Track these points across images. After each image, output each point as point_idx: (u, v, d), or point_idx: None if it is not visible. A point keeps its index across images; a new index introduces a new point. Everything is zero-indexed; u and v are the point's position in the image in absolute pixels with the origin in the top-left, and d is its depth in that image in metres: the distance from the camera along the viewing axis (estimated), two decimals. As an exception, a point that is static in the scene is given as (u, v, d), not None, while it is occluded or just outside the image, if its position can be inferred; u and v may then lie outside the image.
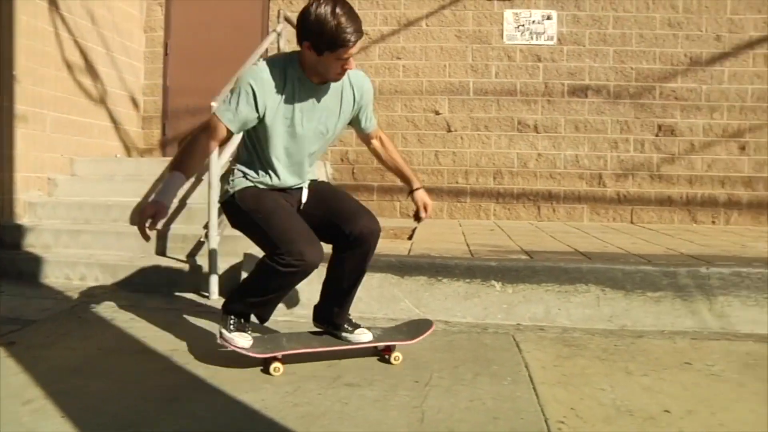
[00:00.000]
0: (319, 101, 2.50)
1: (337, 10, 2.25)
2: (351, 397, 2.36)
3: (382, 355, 2.76)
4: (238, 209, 2.52)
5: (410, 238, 4.71)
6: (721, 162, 6.39)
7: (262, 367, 2.61)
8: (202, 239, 4.26)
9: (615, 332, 3.34)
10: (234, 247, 4.05)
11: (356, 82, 2.58)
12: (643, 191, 6.43)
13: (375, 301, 3.58)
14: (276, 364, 2.55)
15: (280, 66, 2.43)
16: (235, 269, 3.92)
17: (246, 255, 3.77)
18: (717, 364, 2.87)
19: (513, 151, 6.50)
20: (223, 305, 2.68)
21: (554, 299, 3.45)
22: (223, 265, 3.94)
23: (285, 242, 2.36)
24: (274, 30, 5.23)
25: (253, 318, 2.70)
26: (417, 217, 2.85)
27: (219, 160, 3.96)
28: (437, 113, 6.53)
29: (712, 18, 6.40)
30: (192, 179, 4.51)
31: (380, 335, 2.76)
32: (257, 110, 2.40)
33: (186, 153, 2.39)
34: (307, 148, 2.55)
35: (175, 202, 4.52)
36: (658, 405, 2.36)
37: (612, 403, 2.36)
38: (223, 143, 2.62)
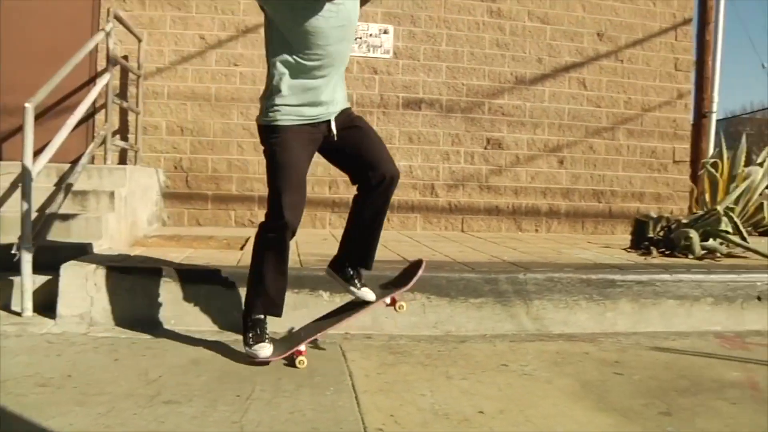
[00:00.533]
0: None
1: None
2: (168, 415, 2.25)
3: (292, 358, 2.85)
4: (267, 139, 2.76)
5: (243, 248, 4.60)
6: (542, 174, 6.93)
7: (286, 362, 2.83)
8: (14, 251, 3.87)
9: (440, 338, 3.48)
10: (53, 258, 3.71)
11: None
12: (473, 201, 6.79)
13: (202, 312, 3.45)
14: (300, 358, 2.81)
15: None
16: (52, 284, 3.59)
17: (64, 268, 3.48)
18: (530, 365, 3.08)
19: (351, 161, 6.59)
20: (243, 317, 2.91)
21: (383, 308, 3.52)
22: (38, 280, 3.60)
23: (278, 206, 2.67)
24: (103, 29, 4.92)
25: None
26: None
27: (35, 166, 3.64)
28: (276, 121, 6.45)
29: (535, 42, 6.92)
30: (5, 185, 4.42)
31: (380, 293, 3.02)
32: None
33: None
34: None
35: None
36: (473, 407, 2.47)
37: (430, 408, 2.44)
38: None
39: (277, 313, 2.90)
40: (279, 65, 2.71)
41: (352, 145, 2.84)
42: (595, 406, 2.55)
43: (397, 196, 6.57)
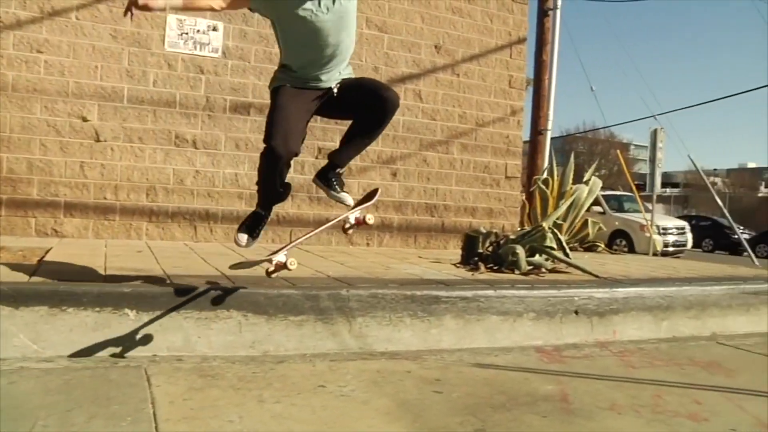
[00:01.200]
0: None
1: None
2: None
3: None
4: (271, 96, 3.38)
5: (41, 260, 4.22)
6: (375, 186, 7.06)
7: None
8: None
9: (256, 359, 3.40)
10: None
11: None
12: (302, 213, 6.78)
13: (-26, 338, 3.10)
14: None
15: None
16: None
17: None
18: (349, 385, 3.09)
19: (169, 167, 6.32)
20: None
21: (194, 327, 3.38)
22: None
23: (268, 134, 3.17)
24: None
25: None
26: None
27: None
28: (85, 119, 6.05)
29: (372, 50, 7.08)
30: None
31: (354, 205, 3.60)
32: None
33: None
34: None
35: None
36: (283, 432, 2.43)
37: (236, 436, 2.37)
38: (234, 7, 3.32)
39: (267, 207, 3.56)
40: (282, 58, 3.40)
41: (351, 96, 3.37)
42: (410, 426, 2.61)
43: (222, 206, 6.40)
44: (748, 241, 25.54)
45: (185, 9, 3.30)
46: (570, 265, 5.52)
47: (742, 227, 29.64)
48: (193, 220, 6.35)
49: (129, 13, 3.01)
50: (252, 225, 3.52)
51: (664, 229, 16.26)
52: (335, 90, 3.37)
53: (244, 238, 3.49)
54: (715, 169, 72.14)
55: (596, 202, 16.33)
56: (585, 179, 8.62)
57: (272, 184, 3.38)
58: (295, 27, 3.22)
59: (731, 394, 3.40)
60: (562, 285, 4.63)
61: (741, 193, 55.84)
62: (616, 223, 16.14)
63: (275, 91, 3.37)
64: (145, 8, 3.04)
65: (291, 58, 3.35)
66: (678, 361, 4.09)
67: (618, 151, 17.03)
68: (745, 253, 14.06)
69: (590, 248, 8.69)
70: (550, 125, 11.48)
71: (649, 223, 13.40)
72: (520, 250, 5.34)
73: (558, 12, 11.14)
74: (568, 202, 7.09)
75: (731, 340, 4.81)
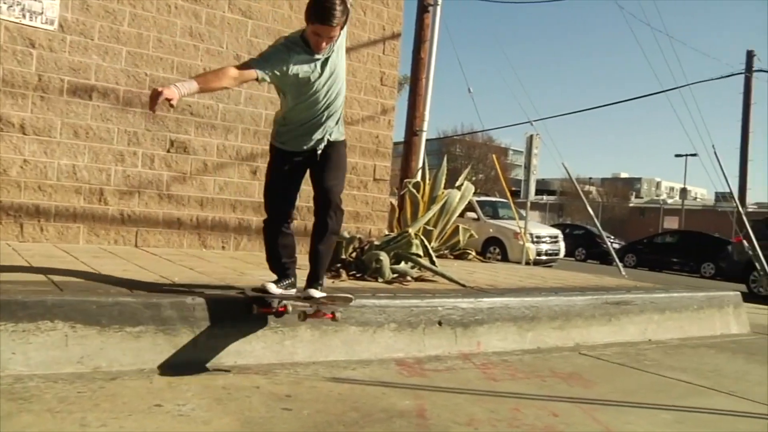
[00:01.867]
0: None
1: None
2: None
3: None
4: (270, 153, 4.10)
5: None
6: (233, 185, 6.94)
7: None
8: None
9: (85, 376, 3.23)
10: None
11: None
12: (150, 211, 6.53)
13: None
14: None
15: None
16: None
17: None
18: (189, 403, 3.01)
19: (-8, 154, 5.89)
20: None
21: (9, 341, 3.16)
22: None
23: (267, 207, 4.01)
24: None
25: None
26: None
27: None
28: None
29: (234, 36, 6.95)
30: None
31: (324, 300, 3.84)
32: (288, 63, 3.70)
33: (211, 72, 3.64)
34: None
35: None
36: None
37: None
38: (243, 81, 3.72)
39: (280, 276, 4.07)
40: (281, 111, 4.02)
41: (317, 168, 3.94)
42: (253, 447, 2.57)
43: (56, 201, 6.05)
44: (618, 250, 27.40)
45: (203, 91, 3.68)
46: (436, 273, 5.66)
47: (612, 237, 31.81)
48: (20, 216, 5.94)
49: (154, 107, 3.35)
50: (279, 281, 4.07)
51: (537, 237, 17.08)
52: (318, 152, 3.95)
53: (271, 287, 3.97)
54: (590, 178, 76.92)
55: (471, 208, 16.94)
56: (457, 184, 8.90)
57: (276, 249, 4.10)
58: (296, 89, 3.82)
59: (586, 405, 3.62)
60: (426, 294, 4.75)
61: (614, 203, 59.96)
62: (491, 230, 16.82)
63: (272, 149, 4.09)
64: (168, 101, 3.33)
65: (291, 114, 3.94)
66: (540, 373, 4.31)
67: (494, 156, 17.72)
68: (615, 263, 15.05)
69: (460, 256, 8.97)
70: (426, 126, 11.77)
71: (523, 230, 14.06)
72: (384, 257, 5.42)
73: (438, 9, 11.43)
74: (437, 207, 7.28)
75: (593, 351, 5.13)
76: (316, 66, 3.78)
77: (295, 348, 3.95)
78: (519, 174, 15.38)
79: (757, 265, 11.94)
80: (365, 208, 7.92)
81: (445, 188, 8.82)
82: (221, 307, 3.74)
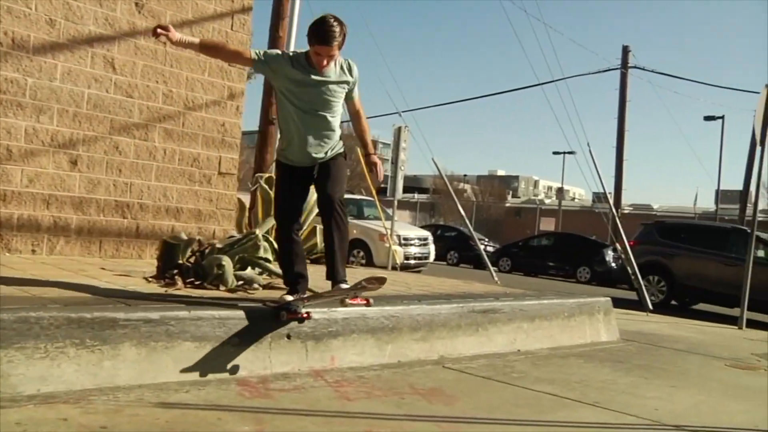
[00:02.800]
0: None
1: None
2: None
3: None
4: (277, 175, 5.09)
5: None
6: (46, 176, 6.55)
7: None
8: None
9: None
10: None
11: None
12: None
13: None
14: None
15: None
16: None
17: None
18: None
19: None
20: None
21: None
22: None
23: (277, 219, 5.01)
24: None
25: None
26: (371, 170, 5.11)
27: None
28: None
29: (49, -2, 6.56)
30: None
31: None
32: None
33: (218, 43, 5.86)
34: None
35: None
36: None
37: None
38: (236, 60, 5.45)
39: (290, 290, 4.89)
40: (279, 122, 5.02)
41: (318, 181, 4.85)
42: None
43: None
44: (492, 254, 28.41)
45: (201, 52, 5.03)
46: (287, 280, 5.60)
47: (486, 239, 32.90)
48: None
49: (156, 35, 4.53)
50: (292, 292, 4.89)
51: (405, 239, 17.35)
52: (316, 168, 4.85)
53: (287, 297, 4.79)
54: (465, 176, 79.39)
55: (333, 207, 16.96)
56: (315, 179, 8.82)
57: (290, 256, 4.95)
58: (290, 96, 4.77)
59: (446, 424, 3.70)
60: (274, 304, 4.68)
61: (489, 202, 62.10)
62: (354, 231, 16.90)
63: (278, 164, 5.04)
64: (166, 35, 4.51)
65: (285, 128, 4.89)
66: (399, 389, 4.36)
67: (359, 149, 17.84)
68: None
69: (318, 260, 8.94)
70: (282, 113, 11.66)
71: (389, 232, 14.25)
72: (227, 262, 5.31)
73: (299, -18, 11.31)
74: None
75: (458, 364, 5.27)
76: (311, 80, 4.71)
77: (116, 369, 3.77)
78: (388, 170, 15.58)
79: (629, 270, 12.69)
80: (208, 206, 7.73)
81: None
82: (21, 324, 3.50)
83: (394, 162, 14.20)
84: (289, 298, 4.72)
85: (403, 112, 14.34)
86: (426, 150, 25.37)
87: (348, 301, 4.70)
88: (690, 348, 7.60)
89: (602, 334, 7.39)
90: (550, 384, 4.92)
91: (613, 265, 24.46)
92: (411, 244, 17.56)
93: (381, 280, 4.50)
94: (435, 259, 19.08)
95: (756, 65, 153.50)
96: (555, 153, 50.91)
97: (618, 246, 14.40)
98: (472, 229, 15.27)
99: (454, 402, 4.19)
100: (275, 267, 5.68)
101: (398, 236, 16.64)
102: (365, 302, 4.81)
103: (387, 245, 14.46)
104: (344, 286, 4.67)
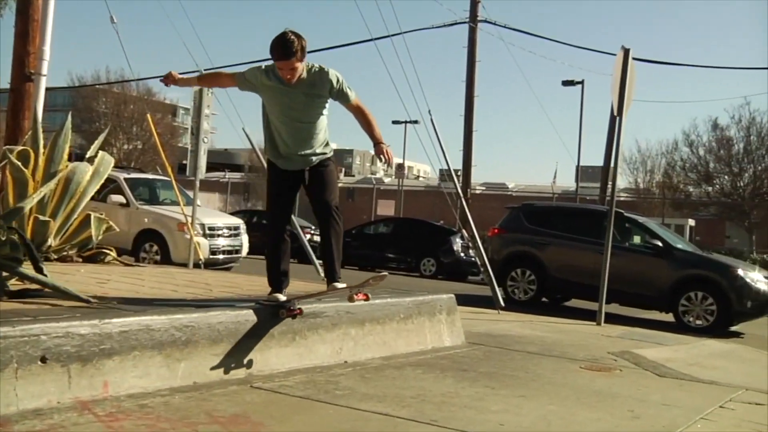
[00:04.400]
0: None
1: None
2: None
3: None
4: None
5: None
6: None
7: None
8: None
9: None
10: None
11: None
12: None
13: None
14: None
15: None
16: None
17: None
18: None
19: None
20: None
21: None
22: None
23: (268, 215, 6.43)
24: None
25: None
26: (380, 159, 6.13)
27: None
28: None
29: None
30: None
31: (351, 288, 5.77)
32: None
33: (214, 74, 7.63)
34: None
35: None
36: None
37: None
38: (229, 84, 6.44)
39: (275, 288, 6.10)
40: (263, 129, 6.23)
41: (311, 187, 6.09)
42: None
43: None
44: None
45: (200, 84, 7.56)
46: (44, 285, 5.33)
47: (313, 227, 32.91)
48: None
49: (166, 82, 6.42)
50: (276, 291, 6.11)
51: (211, 229, 16.93)
52: (306, 174, 6.06)
53: (279, 297, 6.00)
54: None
55: (119, 190, 16.40)
56: (89, 154, 8.52)
57: (274, 260, 6.13)
58: (269, 106, 6.05)
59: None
60: (24, 318, 4.40)
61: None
62: (146, 219, 16.43)
63: (269, 165, 6.24)
64: (174, 83, 6.41)
65: (269, 138, 6.11)
66: (193, 419, 4.25)
67: (149, 116, 17.38)
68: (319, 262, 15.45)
69: (93, 257, 8.61)
70: (46, 68, 10.98)
71: (190, 220, 13.94)
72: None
73: None
74: (51, 187, 6.89)
75: (270, 382, 5.23)
76: (284, 89, 5.86)
77: None
78: (188, 142, 15.12)
79: (478, 261, 13.04)
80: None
81: (71, 161, 8.39)
82: None
83: (195, 132, 13.85)
84: (281, 297, 5.95)
85: (206, 71, 13.96)
86: (236, 118, 24.93)
87: (355, 297, 5.81)
88: (544, 350, 7.95)
89: (445, 337, 7.54)
90: (381, 401, 4.96)
91: (462, 255, 24.84)
92: (219, 235, 17.17)
93: (381, 278, 5.88)
94: (250, 253, 18.67)
95: (616, 27, 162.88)
96: (395, 122, 51.59)
97: (464, 232, 14.73)
98: (295, 222, 15.16)
99: (261, 430, 4.12)
100: (28, 269, 5.38)
101: (202, 225, 16.26)
102: (365, 297, 5.91)
103: (187, 236, 14.12)
104: (340, 285, 5.86)
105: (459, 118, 29.32)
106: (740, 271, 14.25)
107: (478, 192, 49.50)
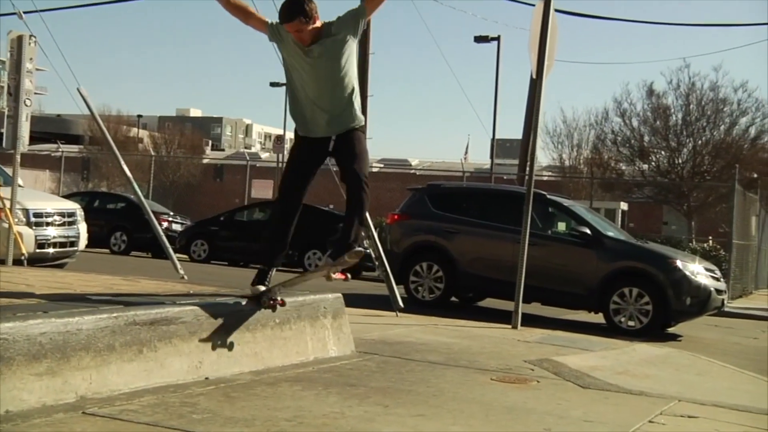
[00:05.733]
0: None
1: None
2: None
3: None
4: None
5: None
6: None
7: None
8: None
9: None
10: None
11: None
12: None
13: None
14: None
15: None
16: None
17: None
18: None
19: None
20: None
21: None
22: None
23: (282, 182, 7.34)
24: None
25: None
26: None
27: None
28: None
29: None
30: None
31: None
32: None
33: (243, 5, 7.32)
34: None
35: None
36: None
37: None
38: (258, 25, 7.08)
39: (265, 261, 7.18)
40: (288, 97, 7.30)
41: (340, 157, 7.03)
42: None
43: None
44: (181, 234, 28.07)
45: (227, 7, 7.09)
46: None
47: (172, 213, 32.52)
48: None
49: None
50: (262, 278, 6.89)
51: (38, 215, 16.36)
52: (332, 143, 6.91)
53: (261, 288, 6.80)
54: (140, 116, 78.26)
55: None
56: None
57: (276, 232, 7.21)
58: (291, 72, 6.91)
59: None
60: None
61: (178, 157, 61.22)
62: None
63: (295, 134, 7.14)
64: None
65: (293, 101, 6.98)
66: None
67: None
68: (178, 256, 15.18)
69: None
70: None
71: (9, 205, 13.51)
72: None
73: None
74: None
75: (109, 406, 5.09)
76: (301, 52, 6.74)
77: None
78: (3, 106, 14.45)
79: (372, 253, 12.92)
80: None
81: None
82: None
83: (14, 93, 13.36)
84: (261, 288, 6.80)
85: (27, 13, 13.44)
86: (69, 76, 24.02)
87: (333, 276, 6.72)
88: (449, 359, 8.01)
89: (330, 346, 7.51)
90: (249, 426, 4.91)
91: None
92: (48, 224, 16.59)
93: (359, 254, 6.72)
94: (90, 246, 18.33)
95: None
96: (273, 85, 51.21)
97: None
98: (142, 197, 14.87)
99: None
100: None
101: (25, 211, 15.73)
102: (344, 277, 6.90)
103: (5, 225, 13.67)
104: (358, 248, 6.74)
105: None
106: (679, 263, 14.58)
107: (374, 170, 49.73)
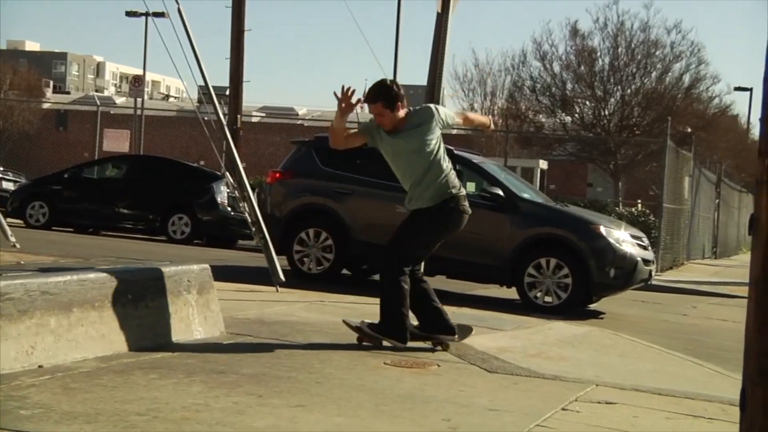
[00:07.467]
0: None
1: None
2: None
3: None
4: None
5: None
6: None
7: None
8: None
9: None
10: None
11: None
12: None
13: None
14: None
15: None
16: None
17: None
18: None
19: None
20: None
21: None
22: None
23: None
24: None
25: None
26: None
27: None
28: None
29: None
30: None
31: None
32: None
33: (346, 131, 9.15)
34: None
35: None
36: None
37: None
38: (357, 142, 8.78)
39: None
40: None
41: None
42: None
43: None
44: (14, 195, 27.41)
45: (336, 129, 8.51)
46: None
47: (2, 168, 31.95)
48: None
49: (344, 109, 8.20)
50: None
51: None
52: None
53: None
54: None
55: None
56: None
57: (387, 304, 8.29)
58: (385, 156, 8.51)
59: None
60: None
61: (10, 101, 59.45)
62: None
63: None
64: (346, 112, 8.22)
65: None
66: None
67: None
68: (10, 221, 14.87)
69: None
70: None
71: None
72: None
73: None
74: None
75: None
76: (384, 139, 8.21)
77: None
78: None
79: (249, 218, 12.65)
80: None
81: None
82: None
83: None
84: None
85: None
86: None
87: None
88: (336, 340, 8.05)
89: (195, 327, 7.45)
90: (91, 422, 4.83)
91: (231, 210, 24.09)
92: None
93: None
94: None
95: None
96: (130, 14, 50.19)
97: (230, 178, 14.32)
98: None
99: None
100: None
101: None
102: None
103: None
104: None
105: (226, 10, 28.69)
106: (602, 229, 14.54)
107: (254, 120, 49.41)
